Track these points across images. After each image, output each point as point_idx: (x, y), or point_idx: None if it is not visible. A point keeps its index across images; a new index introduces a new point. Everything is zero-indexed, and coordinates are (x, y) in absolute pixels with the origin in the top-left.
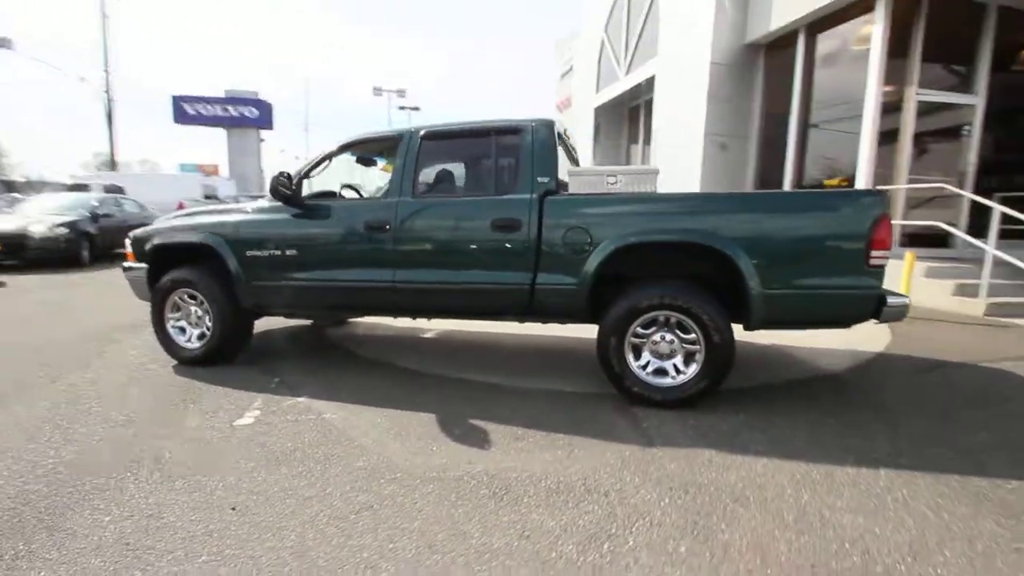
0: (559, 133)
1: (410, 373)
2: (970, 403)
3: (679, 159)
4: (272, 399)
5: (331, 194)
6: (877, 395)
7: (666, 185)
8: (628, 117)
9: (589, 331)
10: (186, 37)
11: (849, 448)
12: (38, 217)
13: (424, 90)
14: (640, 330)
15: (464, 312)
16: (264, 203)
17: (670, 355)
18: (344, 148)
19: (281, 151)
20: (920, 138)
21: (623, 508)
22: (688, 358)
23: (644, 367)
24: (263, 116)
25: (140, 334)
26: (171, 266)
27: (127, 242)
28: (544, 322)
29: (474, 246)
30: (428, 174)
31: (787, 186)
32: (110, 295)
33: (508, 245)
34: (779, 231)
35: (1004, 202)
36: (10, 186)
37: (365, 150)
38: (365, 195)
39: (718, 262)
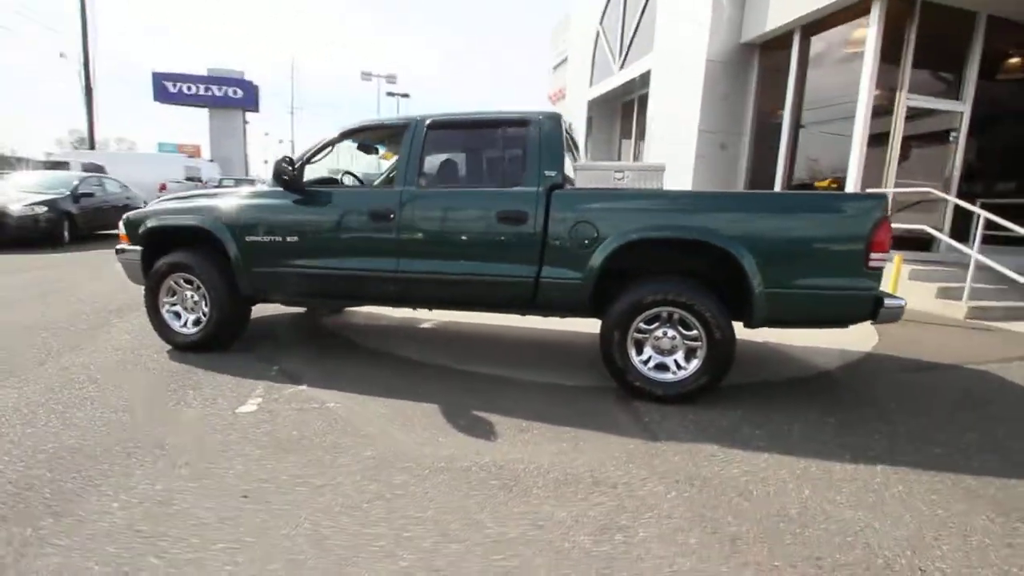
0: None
1: (410, 363)
2: (957, 404)
3: (672, 155)
4: (273, 387)
5: (332, 180)
6: (868, 394)
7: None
8: (621, 112)
9: (583, 325)
10: (171, 19)
11: (845, 445)
12: (16, 195)
13: (416, 78)
14: (643, 325)
15: (468, 304)
16: (263, 187)
17: (671, 351)
18: (348, 134)
19: (266, 134)
20: (907, 142)
21: (632, 500)
22: (689, 354)
23: (646, 362)
24: (248, 97)
25: (129, 317)
26: (166, 249)
27: (120, 224)
28: (545, 315)
29: (479, 238)
30: (433, 163)
31: (778, 186)
32: (94, 277)
33: (514, 238)
34: (782, 231)
35: (986, 208)
36: None
37: (369, 137)
38: (363, 183)
39: (721, 260)
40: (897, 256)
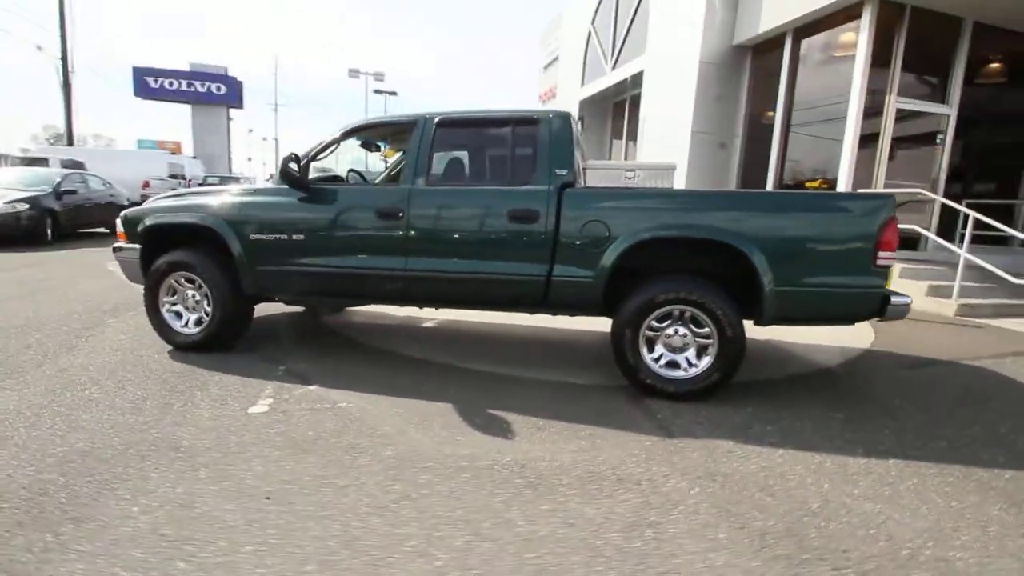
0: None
1: (415, 362)
2: (958, 400)
3: (665, 156)
4: (282, 387)
5: (337, 178)
6: (871, 390)
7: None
8: (612, 112)
9: (585, 323)
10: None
11: (855, 440)
12: None
13: (413, 79)
14: (655, 323)
15: (477, 303)
16: (266, 185)
17: (683, 348)
18: (354, 131)
19: (250, 131)
20: (896, 144)
21: (657, 497)
22: (700, 351)
23: (657, 360)
24: (232, 93)
25: (124, 316)
26: (165, 248)
27: (118, 222)
28: (555, 314)
29: (490, 236)
30: (441, 162)
31: (770, 186)
32: (81, 275)
33: (525, 236)
34: (792, 230)
35: (972, 208)
36: None
37: (376, 135)
38: (367, 181)
39: (732, 258)
40: None
